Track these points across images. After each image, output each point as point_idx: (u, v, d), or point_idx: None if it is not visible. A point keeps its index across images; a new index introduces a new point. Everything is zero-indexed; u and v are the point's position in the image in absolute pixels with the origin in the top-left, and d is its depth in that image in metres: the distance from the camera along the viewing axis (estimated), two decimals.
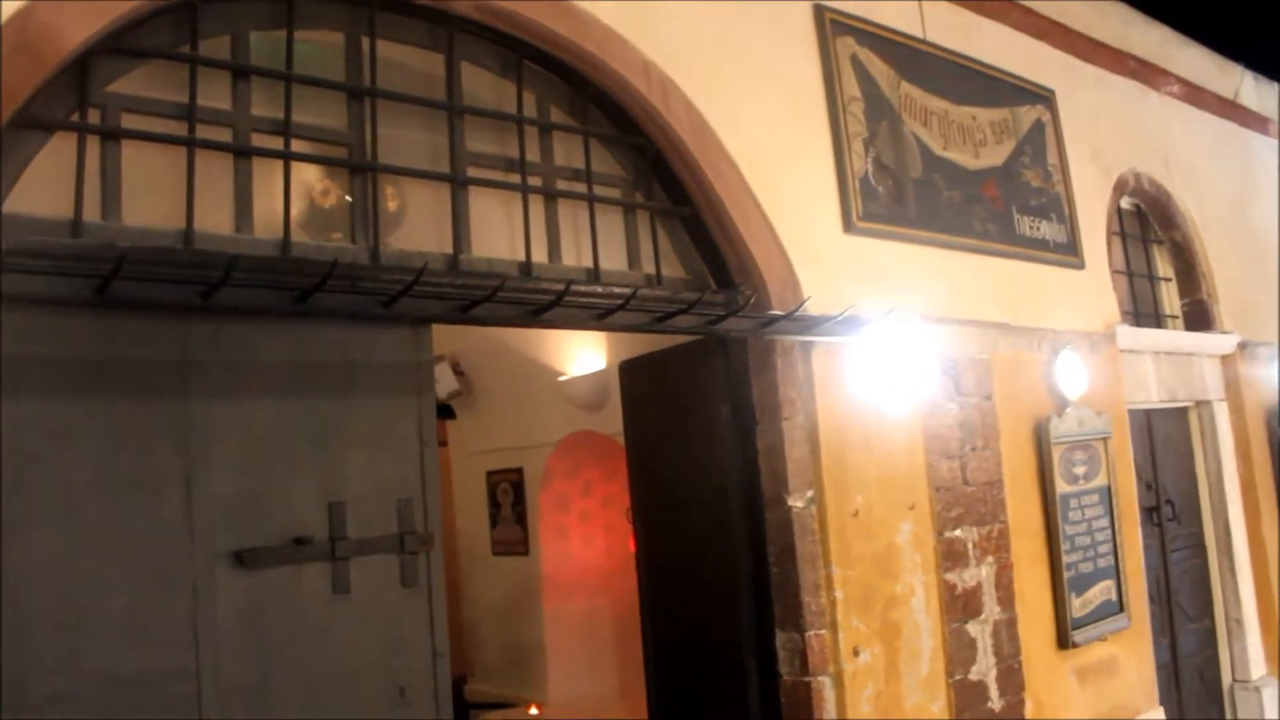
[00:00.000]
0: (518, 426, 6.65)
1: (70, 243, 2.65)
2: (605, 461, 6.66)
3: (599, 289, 3.60)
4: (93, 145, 2.86)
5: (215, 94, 3.10)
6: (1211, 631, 6.63)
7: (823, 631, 4.07)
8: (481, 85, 3.73)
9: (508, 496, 6.73)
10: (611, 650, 6.71)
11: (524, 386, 6.49)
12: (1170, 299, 6.96)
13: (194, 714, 2.83)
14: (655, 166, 4.12)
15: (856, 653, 4.12)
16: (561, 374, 6.18)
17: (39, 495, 2.65)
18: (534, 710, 6.24)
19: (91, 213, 2.82)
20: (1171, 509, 6.40)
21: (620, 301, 3.41)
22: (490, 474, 6.88)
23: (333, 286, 2.78)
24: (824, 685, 4.03)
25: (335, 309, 2.96)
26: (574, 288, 3.31)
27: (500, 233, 3.70)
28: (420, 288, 2.92)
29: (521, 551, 6.61)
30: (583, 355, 6.03)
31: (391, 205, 3.54)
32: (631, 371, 4.88)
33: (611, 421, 5.90)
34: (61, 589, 2.66)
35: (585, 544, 6.80)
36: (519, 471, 6.67)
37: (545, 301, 3.24)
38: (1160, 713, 5.48)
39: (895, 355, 4.42)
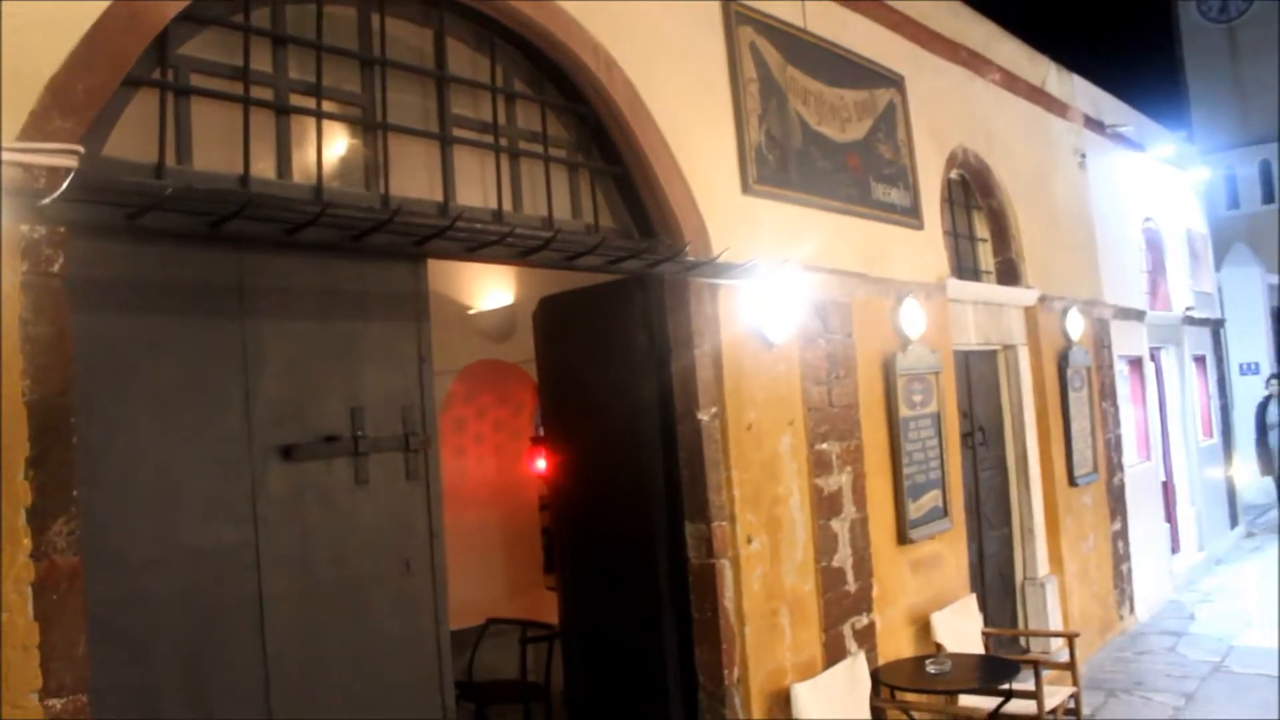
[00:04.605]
0: None
1: (189, 188, 3.17)
2: (499, 387, 7.36)
3: (573, 236, 4.32)
4: (166, 99, 3.37)
5: (257, 58, 3.64)
6: (1009, 537, 7.90)
7: (724, 523, 4.94)
8: (460, 57, 4.35)
9: None
10: (501, 556, 7.47)
11: (432, 319, 7.07)
12: (986, 257, 8.13)
13: (254, 578, 3.43)
14: (595, 132, 4.83)
15: (750, 541, 5.01)
16: (470, 308, 6.82)
17: (138, 397, 3.18)
18: None
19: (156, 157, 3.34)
20: (982, 435, 7.60)
21: (588, 248, 4.14)
22: None
23: (390, 229, 3.41)
24: (725, 567, 4.91)
25: (380, 247, 3.59)
26: (559, 235, 4.02)
27: (474, 184, 4.35)
28: (454, 231, 3.59)
29: None
30: (491, 291, 6.69)
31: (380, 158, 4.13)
32: (552, 306, 5.59)
33: (515, 351, 6.61)
34: (155, 475, 3.20)
35: (479, 463, 7.50)
36: None
37: (535, 245, 3.95)
38: (972, 598, 6.65)
39: (780, 297, 5.29)
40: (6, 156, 2.74)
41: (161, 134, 3.31)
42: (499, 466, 7.60)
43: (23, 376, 2.80)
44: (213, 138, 3.49)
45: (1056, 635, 7.04)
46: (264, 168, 3.60)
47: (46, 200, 2.73)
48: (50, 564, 2.81)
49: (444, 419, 7.29)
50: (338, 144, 3.90)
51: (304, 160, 3.73)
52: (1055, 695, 6.03)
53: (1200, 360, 13.26)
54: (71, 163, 2.91)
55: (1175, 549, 11.43)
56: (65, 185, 2.73)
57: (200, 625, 3.28)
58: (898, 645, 5.96)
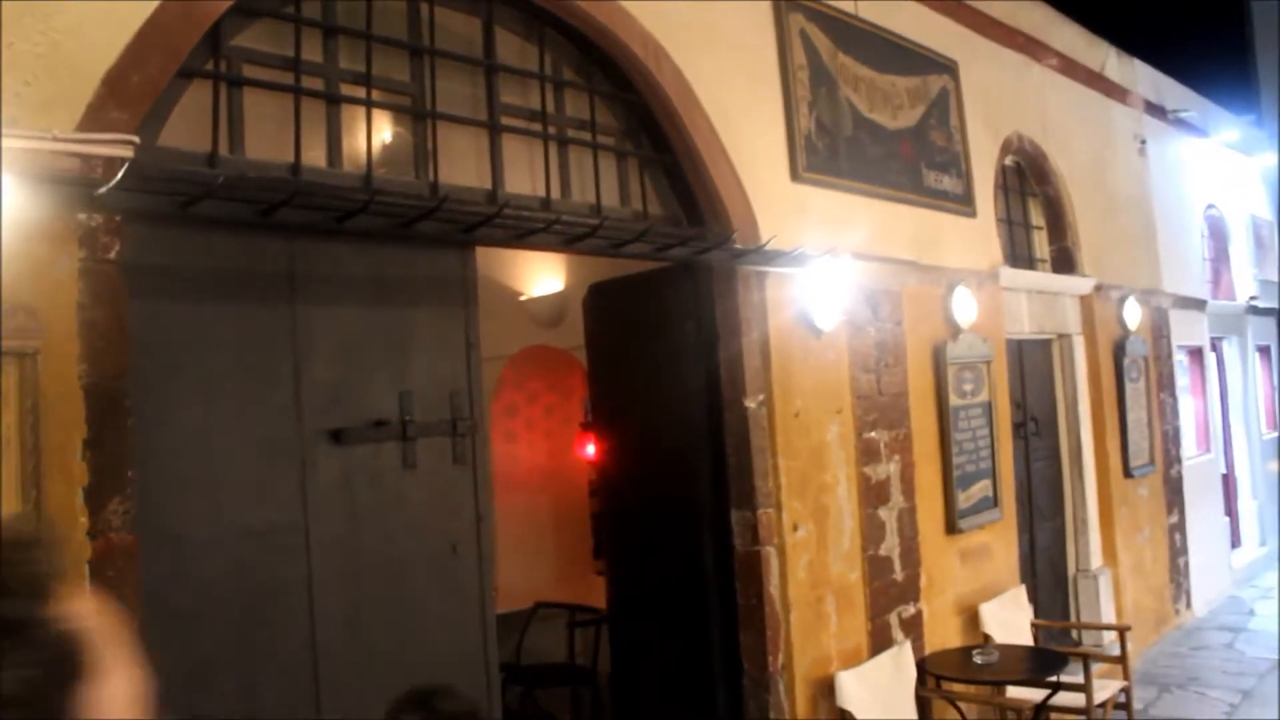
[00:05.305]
0: None
1: (241, 176, 3.24)
2: (549, 374, 7.42)
3: (620, 224, 4.34)
4: (219, 90, 3.44)
5: (308, 48, 3.69)
6: (1062, 529, 7.82)
7: (770, 510, 4.94)
8: (509, 46, 4.39)
9: None
10: (551, 541, 7.53)
11: (484, 305, 7.14)
12: (1041, 245, 8.02)
13: (303, 560, 3.51)
14: (643, 120, 4.84)
15: (796, 528, 5.02)
16: (522, 294, 6.87)
17: (191, 381, 3.27)
18: None
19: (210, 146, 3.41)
20: (1035, 425, 7.51)
21: (635, 235, 4.16)
22: None
23: (439, 216, 3.46)
24: (770, 554, 4.92)
25: (429, 234, 3.64)
26: (606, 222, 4.04)
27: (522, 171, 4.39)
28: (502, 218, 3.63)
29: None
30: (543, 278, 6.74)
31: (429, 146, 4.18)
32: (601, 293, 5.62)
33: (565, 337, 6.65)
34: (207, 458, 3.29)
35: (530, 448, 7.57)
36: None
37: (583, 233, 3.97)
38: (1022, 589, 6.59)
39: (829, 285, 5.27)
40: (64, 147, 2.82)
41: (214, 124, 3.37)
42: (549, 452, 7.66)
43: (79, 361, 2.88)
44: (264, 127, 3.56)
45: (1108, 628, 6.97)
46: (314, 156, 3.66)
47: (103, 189, 2.80)
48: (106, 541, 2.89)
49: (495, 404, 7.38)
50: (387, 132, 3.95)
51: (354, 149, 3.78)
52: (1105, 689, 5.96)
53: (1264, 351, 12.96)
54: (127, 153, 2.98)
55: (1236, 543, 11.22)
56: (121, 174, 2.80)
57: (250, 604, 3.35)
58: (945, 635, 5.93)
